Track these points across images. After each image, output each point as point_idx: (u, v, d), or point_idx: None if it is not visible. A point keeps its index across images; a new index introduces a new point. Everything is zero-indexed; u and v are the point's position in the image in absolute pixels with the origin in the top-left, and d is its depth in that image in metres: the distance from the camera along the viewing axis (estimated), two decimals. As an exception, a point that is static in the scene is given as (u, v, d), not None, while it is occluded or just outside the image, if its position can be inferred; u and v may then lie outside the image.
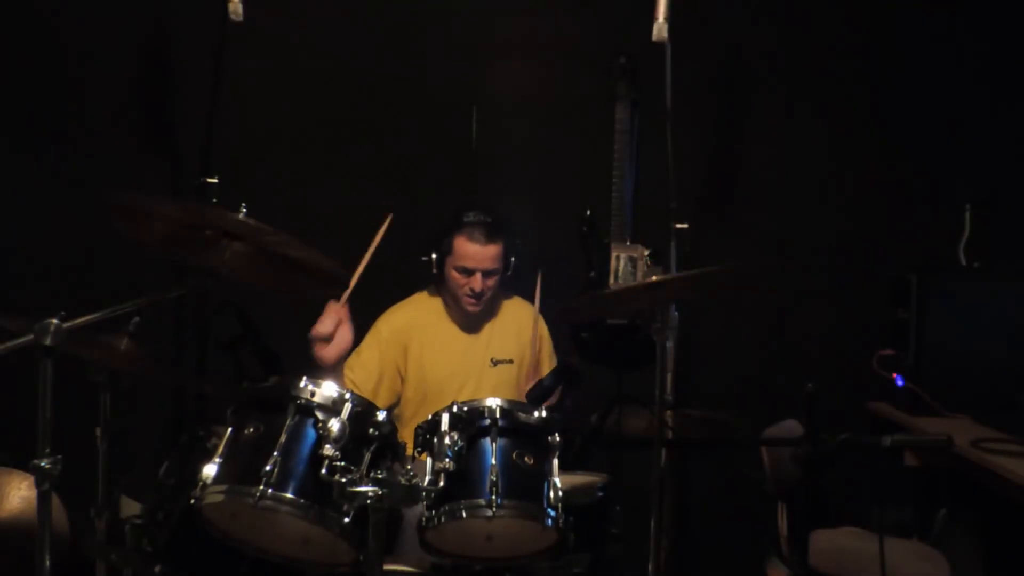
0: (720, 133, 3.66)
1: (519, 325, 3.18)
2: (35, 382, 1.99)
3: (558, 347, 3.26)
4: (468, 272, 3.01)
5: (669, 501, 2.91)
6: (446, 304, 3.14)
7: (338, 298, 2.89)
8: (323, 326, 2.86)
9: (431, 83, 3.56)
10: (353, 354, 3.02)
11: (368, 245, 2.93)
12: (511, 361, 3.14)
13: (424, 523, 2.28)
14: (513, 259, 3.07)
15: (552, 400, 2.72)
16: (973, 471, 2.95)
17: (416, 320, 3.13)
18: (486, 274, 3.02)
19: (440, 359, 3.10)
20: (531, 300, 3.19)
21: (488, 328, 3.16)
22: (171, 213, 2.35)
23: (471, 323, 3.14)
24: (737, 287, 2.58)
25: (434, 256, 3.05)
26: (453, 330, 3.14)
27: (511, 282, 3.14)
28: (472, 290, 3.02)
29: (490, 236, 3.00)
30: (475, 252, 2.99)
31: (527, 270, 3.14)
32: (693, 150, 3.39)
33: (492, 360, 3.12)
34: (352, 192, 3.52)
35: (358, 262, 2.90)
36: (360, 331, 3.02)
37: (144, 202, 2.33)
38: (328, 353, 2.87)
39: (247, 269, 2.42)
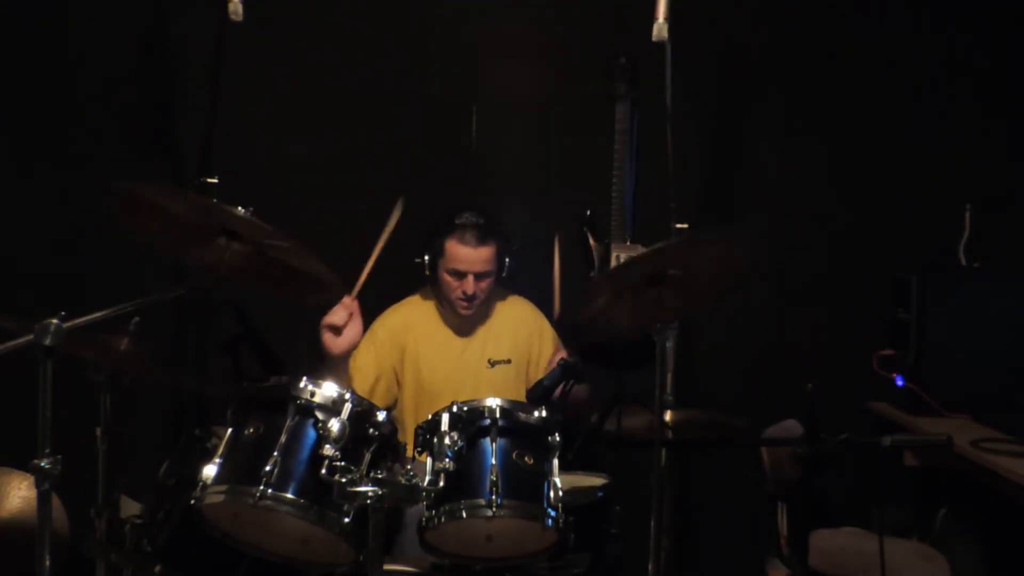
0: (720, 133, 3.66)
1: (515, 325, 3.17)
2: (35, 382, 1.99)
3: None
4: (460, 275, 2.99)
5: (669, 501, 2.91)
6: (440, 306, 3.13)
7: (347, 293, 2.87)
8: (335, 316, 2.82)
9: (431, 83, 3.56)
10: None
11: (374, 240, 2.91)
12: (508, 361, 3.12)
13: (424, 523, 2.28)
14: (507, 260, 3.05)
15: (553, 399, 2.72)
16: (973, 471, 2.95)
17: (412, 322, 3.12)
18: (478, 276, 2.99)
19: (436, 362, 3.09)
20: (530, 299, 3.19)
21: (484, 329, 3.14)
22: (172, 205, 2.34)
23: (466, 325, 3.13)
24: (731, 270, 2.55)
25: (426, 258, 3.04)
26: (448, 332, 3.13)
27: (508, 282, 3.13)
28: (464, 293, 2.99)
29: (482, 238, 2.97)
30: (467, 255, 2.97)
31: (525, 270, 3.12)
32: (693, 150, 3.39)
33: (489, 361, 3.11)
34: (352, 192, 3.52)
35: (363, 257, 2.88)
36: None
37: (146, 192, 2.32)
38: (338, 344, 2.84)
39: (247, 270, 2.42)
